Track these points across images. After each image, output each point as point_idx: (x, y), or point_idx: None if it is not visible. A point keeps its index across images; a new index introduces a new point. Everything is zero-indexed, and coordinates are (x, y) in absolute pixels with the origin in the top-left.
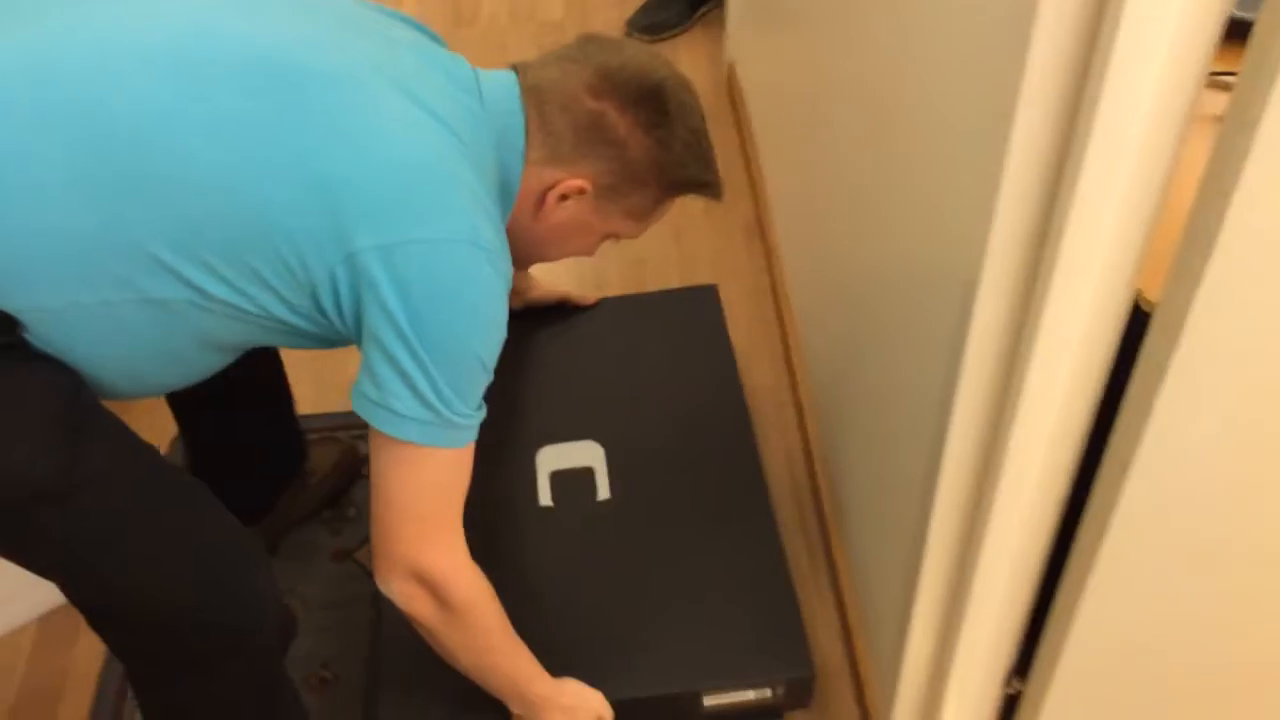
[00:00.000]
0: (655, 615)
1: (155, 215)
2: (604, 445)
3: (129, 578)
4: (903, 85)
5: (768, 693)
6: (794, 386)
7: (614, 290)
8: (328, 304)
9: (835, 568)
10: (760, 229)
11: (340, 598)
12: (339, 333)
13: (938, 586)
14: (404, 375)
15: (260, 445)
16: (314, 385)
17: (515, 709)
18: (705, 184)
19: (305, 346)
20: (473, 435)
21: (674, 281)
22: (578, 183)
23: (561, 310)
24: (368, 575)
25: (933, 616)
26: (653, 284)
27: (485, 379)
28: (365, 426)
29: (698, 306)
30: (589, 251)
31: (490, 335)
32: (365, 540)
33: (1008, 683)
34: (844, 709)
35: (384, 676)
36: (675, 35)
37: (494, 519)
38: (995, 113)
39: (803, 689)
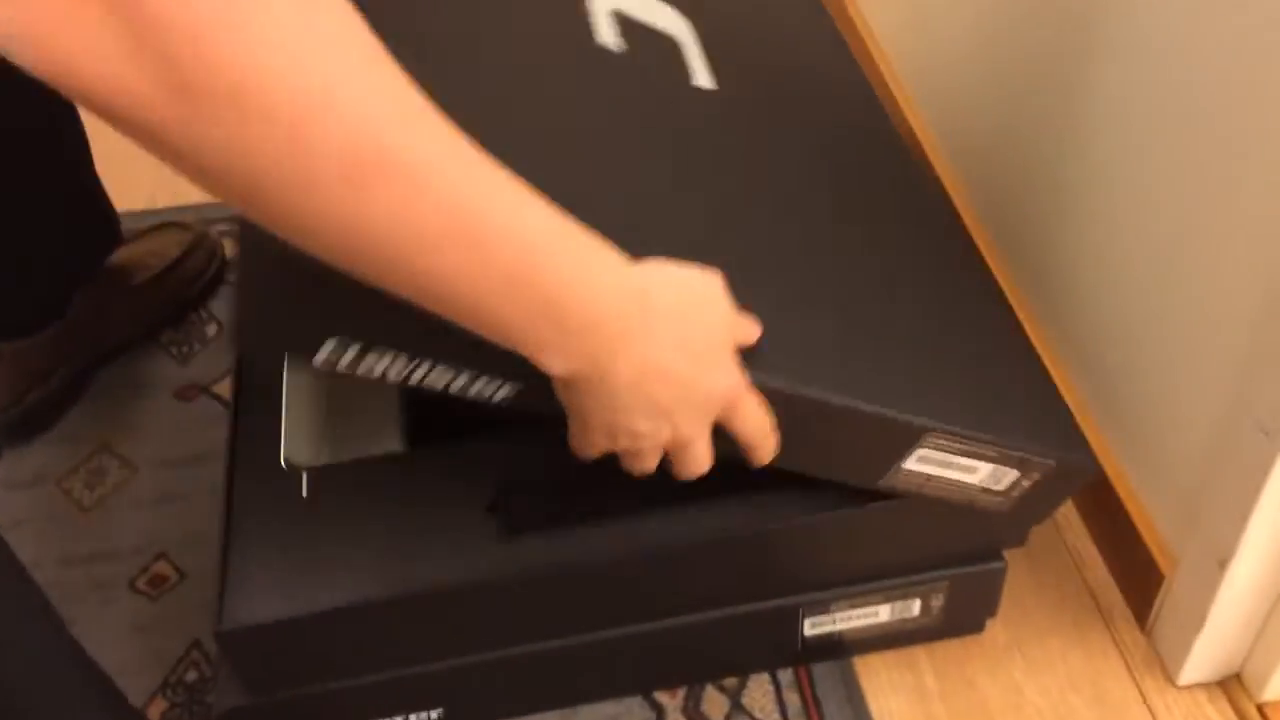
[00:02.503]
0: (840, 293)
1: None
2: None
3: None
4: None
5: (1028, 478)
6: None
7: None
8: None
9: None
10: None
11: (189, 453)
12: None
13: None
14: None
15: (22, 197)
16: (159, 171)
17: (551, 364)
18: None
19: None
20: None
21: None
22: None
23: None
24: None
25: None
26: None
27: None
28: (232, 219)
29: None
30: None
31: None
32: (230, 369)
33: None
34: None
35: (232, 557)
36: None
37: (512, 58)
38: None
39: (1065, 485)
